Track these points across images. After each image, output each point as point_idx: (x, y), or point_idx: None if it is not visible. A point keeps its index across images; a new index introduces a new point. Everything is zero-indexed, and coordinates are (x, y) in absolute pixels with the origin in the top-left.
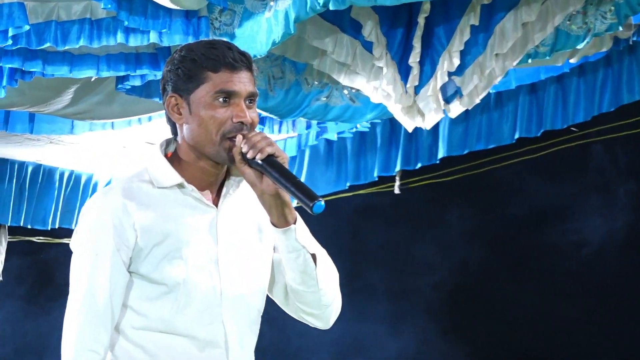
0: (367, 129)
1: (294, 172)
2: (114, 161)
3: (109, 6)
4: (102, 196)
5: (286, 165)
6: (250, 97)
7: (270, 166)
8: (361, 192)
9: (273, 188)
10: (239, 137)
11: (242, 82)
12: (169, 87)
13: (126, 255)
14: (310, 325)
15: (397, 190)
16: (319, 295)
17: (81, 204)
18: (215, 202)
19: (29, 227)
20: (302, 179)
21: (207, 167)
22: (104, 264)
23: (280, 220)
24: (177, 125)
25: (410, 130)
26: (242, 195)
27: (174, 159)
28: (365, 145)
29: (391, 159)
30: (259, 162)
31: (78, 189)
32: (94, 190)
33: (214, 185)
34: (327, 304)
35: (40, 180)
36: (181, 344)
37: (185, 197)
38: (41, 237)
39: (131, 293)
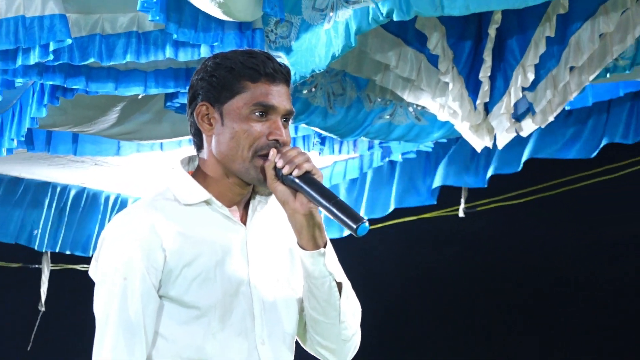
0: (430, 149)
1: (357, 195)
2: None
3: (157, 18)
4: (126, 217)
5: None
6: (287, 116)
7: (308, 184)
8: (425, 215)
9: (307, 207)
10: (273, 151)
11: (281, 97)
12: (199, 96)
13: (156, 279)
14: None
15: (461, 214)
16: (339, 328)
17: None
18: (243, 220)
19: (68, 252)
20: (364, 201)
21: (235, 184)
22: (134, 289)
23: (310, 243)
24: (205, 138)
25: (479, 150)
26: (269, 214)
27: (198, 175)
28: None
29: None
30: (295, 179)
31: None
32: None
33: (240, 204)
34: (346, 339)
35: (83, 205)
36: None
37: (213, 214)
38: (85, 265)
39: (162, 319)
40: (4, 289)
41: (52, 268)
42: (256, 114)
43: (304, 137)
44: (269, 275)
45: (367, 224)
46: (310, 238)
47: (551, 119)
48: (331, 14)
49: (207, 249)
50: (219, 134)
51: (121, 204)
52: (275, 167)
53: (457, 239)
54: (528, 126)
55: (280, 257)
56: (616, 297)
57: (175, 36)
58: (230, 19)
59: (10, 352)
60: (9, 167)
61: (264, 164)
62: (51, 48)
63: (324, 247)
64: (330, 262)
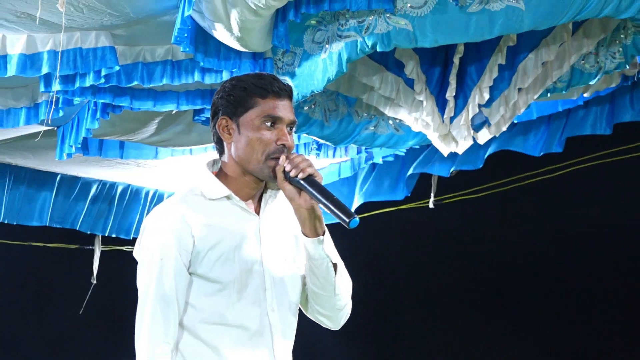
0: (403, 154)
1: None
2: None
3: (187, 49)
4: (162, 210)
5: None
6: (291, 124)
7: (311, 185)
8: (402, 207)
9: (309, 203)
10: (283, 157)
11: (286, 109)
12: (219, 111)
13: (186, 259)
14: (323, 325)
15: (431, 205)
16: (334, 300)
17: None
18: (256, 211)
19: (119, 237)
20: (357, 194)
21: (250, 181)
22: (169, 268)
23: (312, 232)
24: (225, 145)
25: (445, 154)
26: (278, 206)
27: (220, 175)
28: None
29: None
30: (300, 180)
31: None
32: None
33: (255, 197)
34: (340, 308)
35: (127, 198)
36: (234, 334)
37: (232, 207)
38: (130, 247)
39: (191, 291)
40: (64, 265)
41: (103, 249)
42: (266, 124)
43: (305, 144)
44: (278, 255)
45: (357, 218)
46: (311, 228)
47: (504, 129)
48: (327, 46)
49: (227, 235)
50: (236, 141)
51: (158, 197)
52: (284, 170)
53: (427, 227)
54: (484, 135)
55: (287, 241)
56: (574, 282)
57: (202, 64)
58: (246, 50)
59: (66, 315)
60: (69, 168)
61: (275, 166)
62: (103, 73)
63: (323, 235)
64: (328, 247)
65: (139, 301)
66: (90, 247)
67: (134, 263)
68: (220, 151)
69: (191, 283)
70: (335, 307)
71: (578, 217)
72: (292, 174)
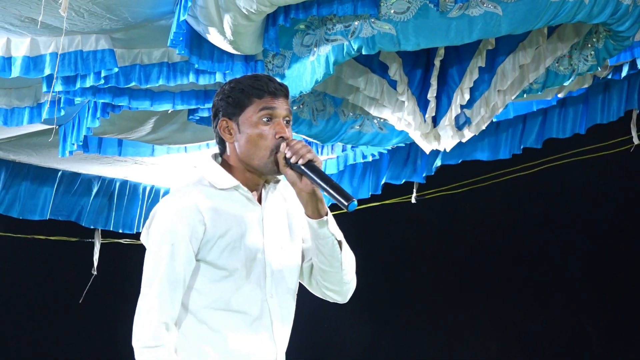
0: (386, 151)
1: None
2: (187, 178)
3: (183, 52)
4: (175, 197)
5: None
6: (287, 118)
7: (311, 170)
8: (385, 202)
9: (310, 187)
10: (283, 144)
11: (281, 105)
12: (220, 113)
13: (196, 246)
14: (331, 300)
15: (413, 200)
16: (341, 275)
17: None
18: (258, 202)
19: (120, 231)
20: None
21: (253, 176)
22: (179, 253)
23: (315, 213)
24: (228, 144)
25: (427, 152)
26: (277, 197)
27: (224, 167)
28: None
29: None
30: (300, 166)
31: (158, 200)
32: None
33: (257, 189)
34: (346, 282)
35: (127, 193)
36: (236, 318)
37: (240, 197)
38: (128, 240)
39: (198, 277)
40: (65, 257)
41: (102, 242)
42: (263, 119)
43: None
44: (277, 244)
45: (355, 202)
46: (314, 209)
47: (483, 127)
48: (315, 49)
49: (234, 224)
50: (238, 140)
51: (155, 193)
52: (285, 157)
53: (409, 220)
54: (467, 134)
55: (284, 231)
56: (542, 264)
57: (196, 66)
58: (238, 53)
59: (67, 305)
60: (70, 165)
61: (277, 155)
62: (102, 74)
63: (326, 215)
64: (332, 226)
65: (145, 282)
66: (91, 240)
67: (132, 255)
68: (223, 151)
69: (198, 269)
70: (343, 281)
71: (552, 211)
72: (292, 160)
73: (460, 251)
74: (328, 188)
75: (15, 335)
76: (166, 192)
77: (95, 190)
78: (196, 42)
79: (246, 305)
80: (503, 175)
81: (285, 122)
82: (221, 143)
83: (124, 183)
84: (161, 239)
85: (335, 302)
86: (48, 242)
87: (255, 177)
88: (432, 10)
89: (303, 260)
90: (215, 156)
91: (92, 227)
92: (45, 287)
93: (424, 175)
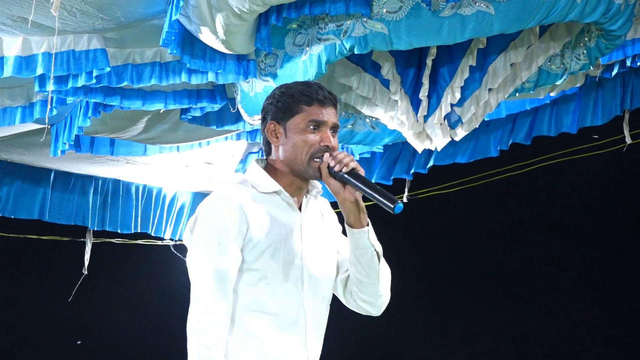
0: (381, 150)
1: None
2: (179, 177)
3: (175, 52)
4: (220, 197)
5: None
6: (334, 128)
7: (355, 178)
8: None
9: (353, 196)
10: (327, 155)
11: (329, 114)
12: (268, 116)
13: (240, 244)
14: (364, 313)
15: (405, 199)
16: (377, 286)
17: (154, 212)
18: (299, 209)
19: (113, 230)
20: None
21: (296, 181)
22: (227, 250)
23: (357, 223)
24: (273, 147)
25: (420, 151)
26: (317, 206)
27: (268, 171)
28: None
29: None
30: (344, 175)
31: (150, 200)
32: (164, 200)
33: (298, 196)
34: (381, 295)
35: (119, 193)
36: (272, 321)
37: (281, 201)
38: (119, 239)
39: (237, 278)
40: (57, 257)
41: (94, 241)
42: (310, 127)
43: None
44: (315, 252)
45: (401, 203)
46: (356, 219)
47: (475, 126)
48: (307, 48)
49: (276, 227)
50: (283, 144)
51: (147, 192)
52: (328, 166)
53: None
54: (459, 133)
55: (323, 241)
56: (534, 265)
57: (188, 65)
58: (231, 52)
59: (58, 302)
60: (62, 164)
61: (320, 164)
62: (94, 74)
63: (367, 225)
64: (372, 236)
65: (197, 282)
66: (82, 240)
67: (124, 254)
68: (268, 152)
69: (239, 271)
70: (378, 294)
71: (544, 211)
72: (336, 168)
73: (451, 251)
74: (372, 192)
75: (5, 333)
76: (158, 192)
77: (88, 190)
78: (188, 42)
79: (283, 308)
80: (494, 175)
81: (331, 131)
82: (267, 145)
83: (116, 182)
84: (206, 238)
85: (369, 314)
86: (40, 241)
87: (298, 181)
88: (425, 10)
89: (338, 273)
90: (259, 161)
91: (90, 227)
92: (36, 286)
93: (412, 172)
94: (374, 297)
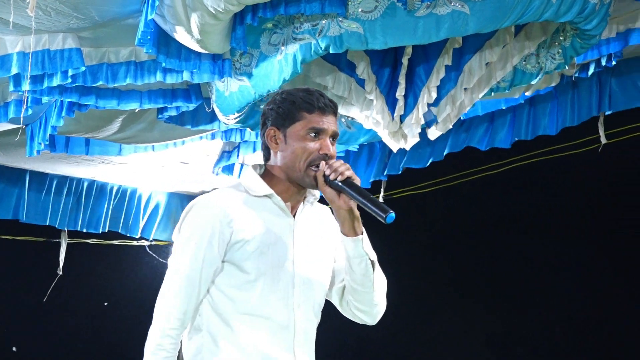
0: (356, 149)
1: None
2: (154, 177)
3: (150, 51)
4: (207, 199)
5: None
6: (333, 136)
7: (349, 186)
8: None
9: (348, 204)
10: (323, 163)
11: (329, 123)
12: (268, 121)
13: (222, 248)
14: (360, 321)
15: (381, 199)
16: (372, 295)
17: (127, 212)
18: (293, 214)
19: (85, 230)
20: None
21: (293, 187)
22: (200, 254)
23: (351, 231)
24: (272, 152)
25: (395, 150)
26: (313, 214)
27: (265, 177)
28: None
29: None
30: (339, 183)
31: (124, 200)
32: (139, 200)
33: (295, 202)
34: (376, 303)
35: (94, 193)
36: (262, 324)
37: (273, 205)
38: (94, 240)
39: (225, 280)
40: (31, 257)
41: (69, 242)
42: (310, 135)
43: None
44: (308, 258)
45: (393, 213)
46: (350, 227)
47: (450, 126)
48: (282, 48)
49: (264, 230)
50: (282, 150)
51: (122, 192)
52: (324, 175)
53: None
54: (434, 132)
55: (318, 249)
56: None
57: (164, 64)
58: (206, 52)
59: (32, 303)
60: (37, 165)
61: (316, 173)
62: (70, 74)
63: (362, 234)
64: (366, 245)
65: (167, 278)
66: (57, 240)
67: (98, 255)
68: (267, 157)
69: (226, 272)
70: (373, 302)
71: (520, 211)
72: (331, 177)
73: (427, 251)
74: (365, 202)
75: None
76: (133, 192)
77: (63, 190)
78: (164, 41)
79: (272, 311)
80: (471, 175)
81: (331, 139)
82: (266, 150)
83: (91, 183)
84: (186, 239)
85: (365, 323)
86: (14, 241)
87: (295, 188)
88: (400, 9)
89: (334, 281)
90: (255, 166)
91: (60, 227)
92: (10, 286)
93: (385, 173)
94: (369, 306)
